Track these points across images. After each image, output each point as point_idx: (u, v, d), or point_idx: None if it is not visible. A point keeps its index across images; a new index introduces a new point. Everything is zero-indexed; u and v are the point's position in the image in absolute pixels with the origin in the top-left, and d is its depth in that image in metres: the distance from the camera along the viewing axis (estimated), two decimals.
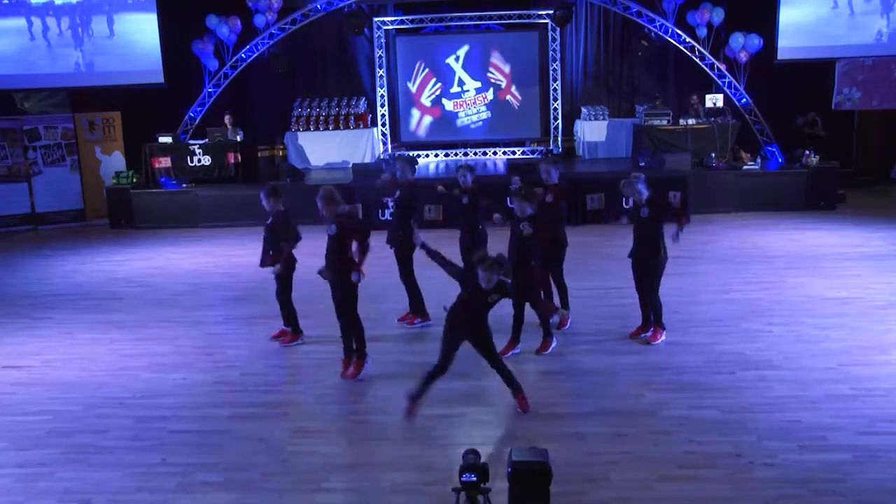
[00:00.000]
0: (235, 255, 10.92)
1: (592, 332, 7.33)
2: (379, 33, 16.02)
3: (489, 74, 15.93)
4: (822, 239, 10.71)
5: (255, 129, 15.56)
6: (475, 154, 16.21)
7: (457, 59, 15.82)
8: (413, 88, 15.99)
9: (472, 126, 16.08)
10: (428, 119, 16.11)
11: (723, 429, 5.39)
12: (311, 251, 11.23)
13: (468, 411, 5.77)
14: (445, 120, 16.04)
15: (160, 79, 14.40)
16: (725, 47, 14.22)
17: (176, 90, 14.65)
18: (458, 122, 16.06)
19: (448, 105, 16.01)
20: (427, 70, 15.91)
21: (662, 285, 7.07)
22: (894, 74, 13.62)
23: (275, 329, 7.50)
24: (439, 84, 15.93)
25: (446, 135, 16.14)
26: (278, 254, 6.98)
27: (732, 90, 14.29)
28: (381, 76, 16.15)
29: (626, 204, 7.26)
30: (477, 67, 15.91)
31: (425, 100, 16.02)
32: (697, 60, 14.35)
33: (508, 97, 16.02)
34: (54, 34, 14.24)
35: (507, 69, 15.88)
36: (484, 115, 16.04)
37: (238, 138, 14.12)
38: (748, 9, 14.26)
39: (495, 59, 15.86)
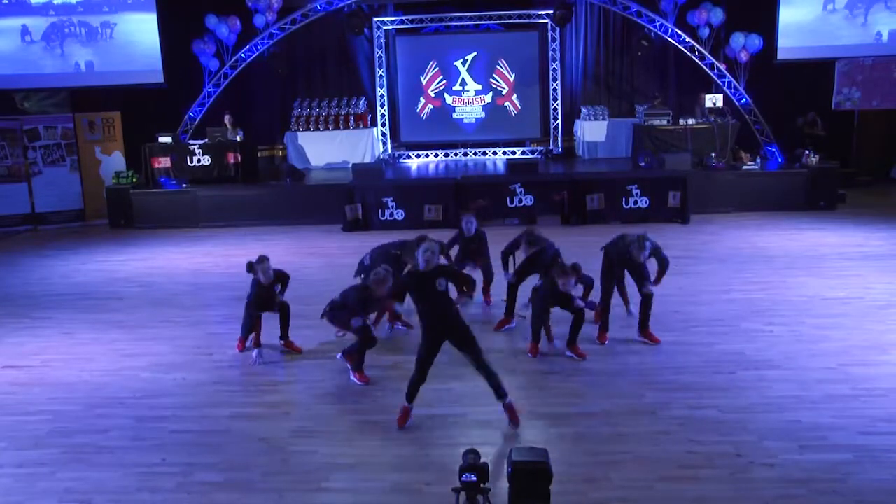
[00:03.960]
0: (235, 255, 10.91)
1: (592, 332, 7.32)
2: (379, 33, 16.03)
3: (492, 80, 16.00)
4: (822, 239, 10.71)
5: (255, 129, 15.55)
6: (475, 154, 16.24)
7: (464, 62, 15.99)
8: (424, 81, 16.13)
9: (466, 121, 16.17)
10: (430, 107, 16.25)
11: (723, 429, 5.39)
12: (311, 251, 11.24)
13: (468, 411, 5.77)
14: (444, 111, 16.19)
15: (160, 79, 14.40)
16: (726, 47, 14.24)
17: (176, 90, 14.66)
18: (454, 115, 16.19)
19: (448, 99, 16.18)
20: (437, 68, 16.05)
21: (663, 284, 7.11)
22: (894, 74, 13.63)
23: (273, 329, 7.52)
24: (444, 81, 16.10)
25: (443, 125, 16.22)
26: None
27: (732, 90, 14.29)
28: (381, 76, 16.15)
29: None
30: (482, 72, 16.06)
31: (431, 92, 16.20)
32: (697, 60, 14.35)
33: (507, 104, 16.09)
34: (54, 34, 14.24)
35: (511, 77, 15.96)
36: (479, 115, 16.12)
37: (238, 138, 14.11)
38: (748, 9, 14.27)
39: (501, 66, 15.98)
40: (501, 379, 5.57)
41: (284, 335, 7.21)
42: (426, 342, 5.53)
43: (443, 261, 6.14)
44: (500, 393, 5.52)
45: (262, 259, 6.99)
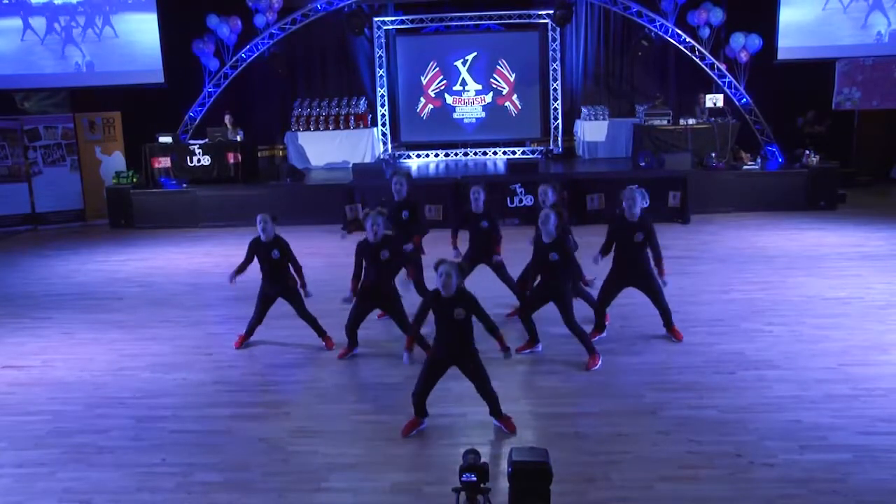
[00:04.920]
0: (235, 255, 10.80)
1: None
2: (379, 33, 16.02)
3: (493, 80, 16.00)
4: (822, 239, 10.71)
5: (255, 129, 15.54)
6: (475, 154, 16.23)
7: (464, 62, 15.98)
8: (424, 81, 16.12)
9: (466, 121, 16.17)
10: (430, 107, 16.23)
11: (723, 429, 5.39)
12: (311, 251, 11.22)
13: (468, 411, 5.77)
14: (444, 111, 16.18)
15: (160, 79, 14.41)
16: (726, 47, 14.23)
17: (176, 90, 14.66)
18: (455, 115, 16.18)
19: (448, 99, 16.17)
20: (437, 68, 16.04)
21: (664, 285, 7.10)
22: (894, 74, 13.62)
23: (273, 329, 7.52)
24: (444, 81, 16.09)
25: (444, 125, 16.21)
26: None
27: (732, 90, 14.29)
28: (381, 76, 16.15)
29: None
30: (482, 72, 16.04)
31: (431, 92, 16.18)
32: (697, 60, 14.35)
33: (507, 104, 16.08)
34: (54, 34, 14.25)
35: (511, 77, 15.95)
36: (479, 115, 16.12)
37: (238, 138, 14.11)
38: (748, 9, 14.27)
39: (501, 66, 15.97)
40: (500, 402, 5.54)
41: (321, 335, 7.23)
42: (432, 361, 5.47)
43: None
44: (497, 413, 5.51)
45: (266, 219, 7.06)
